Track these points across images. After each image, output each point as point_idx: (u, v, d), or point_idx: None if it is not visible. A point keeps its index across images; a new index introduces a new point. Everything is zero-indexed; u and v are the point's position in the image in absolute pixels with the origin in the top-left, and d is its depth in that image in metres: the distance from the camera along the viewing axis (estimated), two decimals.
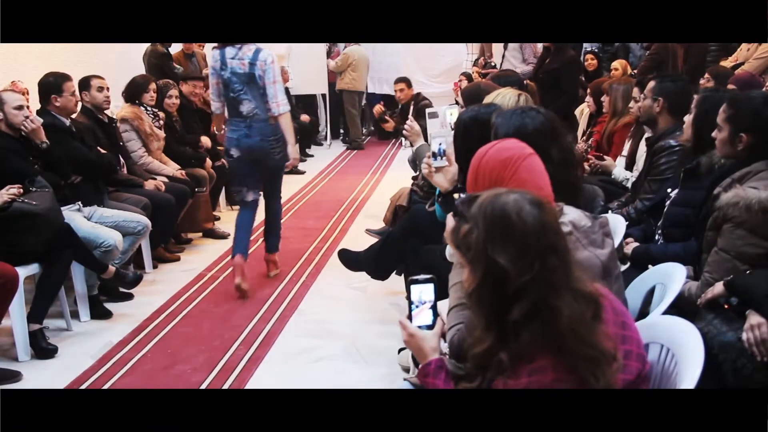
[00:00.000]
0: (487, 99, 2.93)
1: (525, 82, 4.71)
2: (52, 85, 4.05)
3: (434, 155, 2.49)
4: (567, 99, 5.23)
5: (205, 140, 5.63)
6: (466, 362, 1.52)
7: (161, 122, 5.15)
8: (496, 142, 1.87)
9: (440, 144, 2.48)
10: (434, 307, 1.65)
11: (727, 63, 5.20)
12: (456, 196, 1.99)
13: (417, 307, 1.63)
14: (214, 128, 6.03)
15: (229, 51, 4.00)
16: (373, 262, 3.81)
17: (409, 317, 1.64)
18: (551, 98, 5.40)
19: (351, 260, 3.96)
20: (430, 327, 1.63)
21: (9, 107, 3.57)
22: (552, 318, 1.32)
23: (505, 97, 2.86)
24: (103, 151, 4.32)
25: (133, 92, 4.99)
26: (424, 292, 1.63)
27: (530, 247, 1.34)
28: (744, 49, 5.16)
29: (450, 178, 2.48)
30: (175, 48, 7.34)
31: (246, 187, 4.26)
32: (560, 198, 1.93)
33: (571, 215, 1.83)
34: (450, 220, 1.71)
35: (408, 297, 1.65)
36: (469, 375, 1.50)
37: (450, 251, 1.87)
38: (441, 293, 1.69)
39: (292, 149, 4.19)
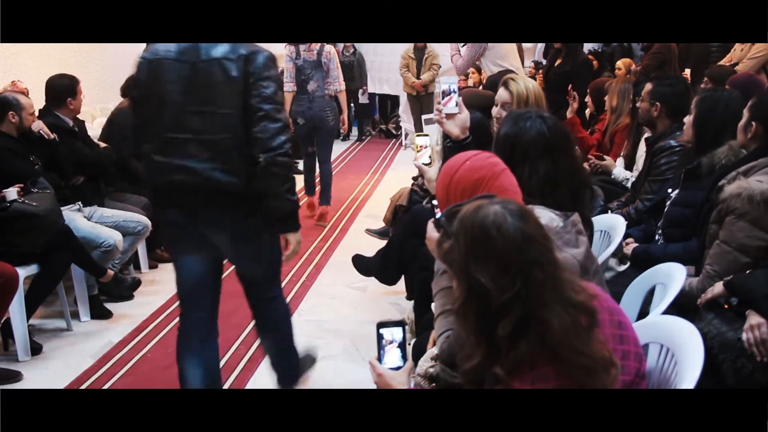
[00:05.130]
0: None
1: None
2: (67, 87, 4.08)
3: (443, 96, 2.42)
4: (578, 101, 5.21)
5: None
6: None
7: None
8: (467, 157, 1.85)
9: (450, 85, 2.42)
10: (403, 349, 1.65)
11: (722, 63, 5.19)
12: (435, 202, 1.97)
13: (386, 349, 1.64)
14: None
15: (302, 45, 5.52)
16: (379, 266, 3.80)
17: (379, 359, 1.64)
18: (563, 101, 5.38)
19: (362, 266, 3.96)
20: (400, 368, 1.63)
21: (26, 113, 3.64)
22: (543, 330, 1.30)
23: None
24: (103, 144, 4.33)
25: None
26: (393, 334, 1.64)
27: (511, 263, 1.30)
28: (738, 49, 5.13)
29: (461, 125, 2.43)
30: None
31: (305, 145, 5.90)
32: (567, 204, 1.94)
33: (543, 219, 1.81)
34: (431, 228, 1.71)
35: (377, 339, 1.65)
36: (463, 387, 1.49)
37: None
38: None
39: (345, 116, 5.96)
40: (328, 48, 5.60)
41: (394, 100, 10.63)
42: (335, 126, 5.75)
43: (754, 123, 2.43)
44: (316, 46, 5.50)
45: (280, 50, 9.84)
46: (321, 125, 5.61)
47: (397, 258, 3.63)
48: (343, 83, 5.69)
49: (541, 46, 8.11)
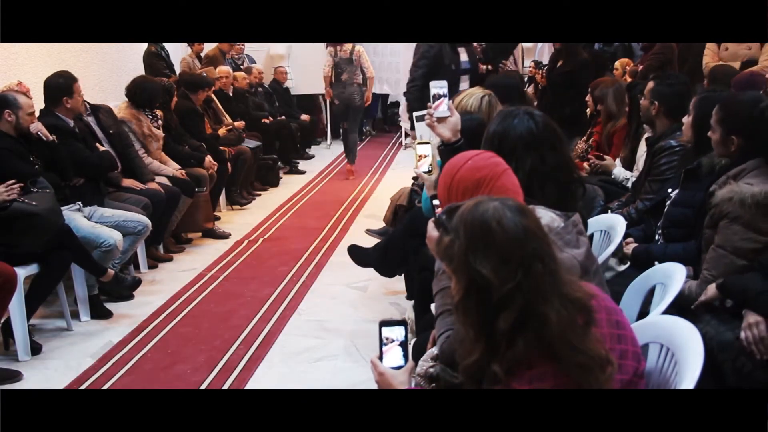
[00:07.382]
0: (456, 99, 2.99)
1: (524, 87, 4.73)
2: (62, 87, 4.04)
3: (434, 100, 2.44)
4: (581, 101, 5.23)
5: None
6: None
7: (160, 122, 5.15)
8: (468, 157, 1.86)
9: (440, 89, 2.44)
10: (405, 348, 1.65)
11: (707, 60, 5.20)
12: (435, 202, 1.98)
13: (388, 348, 1.64)
14: (224, 129, 6.20)
15: (338, 46, 7.48)
16: (379, 260, 3.82)
17: (380, 358, 1.64)
18: (566, 100, 5.39)
19: (360, 256, 3.98)
20: (401, 368, 1.63)
21: (24, 112, 3.61)
22: (541, 325, 1.31)
23: (471, 97, 2.99)
24: (102, 148, 4.33)
25: (144, 102, 4.99)
26: (395, 333, 1.64)
27: (512, 255, 1.32)
28: (744, 47, 5.12)
29: (452, 128, 2.44)
30: (203, 46, 7.51)
31: (341, 122, 8.34)
32: (555, 199, 1.94)
33: (544, 218, 1.81)
34: (431, 228, 1.72)
35: (379, 338, 1.64)
36: (463, 386, 1.49)
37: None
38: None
39: (369, 94, 7.82)
40: (359, 47, 7.50)
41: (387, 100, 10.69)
42: (361, 105, 7.71)
43: (733, 137, 2.41)
44: (349, 46, 7.42)
45: (281, 50, 9.86)
46: (351, 104, 7.58)
47: (397, 257, 3.65)
48: (373, 70, 7.66)
49: (541, 46, 8.11)
